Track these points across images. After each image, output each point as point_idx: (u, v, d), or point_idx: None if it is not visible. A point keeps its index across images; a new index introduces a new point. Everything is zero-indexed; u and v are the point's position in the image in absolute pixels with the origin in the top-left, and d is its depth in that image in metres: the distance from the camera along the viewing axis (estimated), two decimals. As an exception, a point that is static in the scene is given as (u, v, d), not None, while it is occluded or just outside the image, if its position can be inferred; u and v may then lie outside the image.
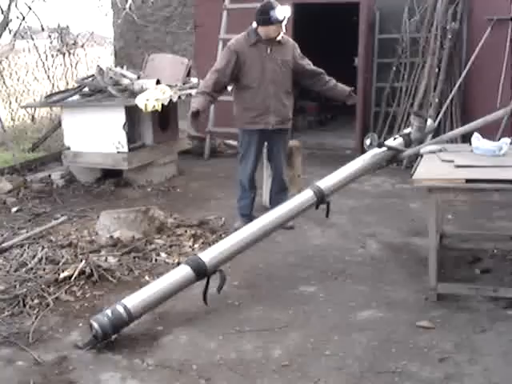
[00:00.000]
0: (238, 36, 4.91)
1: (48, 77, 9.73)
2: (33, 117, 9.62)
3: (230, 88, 5.14)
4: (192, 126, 4.81)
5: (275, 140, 5.03)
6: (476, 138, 4.08)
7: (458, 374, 2.98)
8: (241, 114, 4.96)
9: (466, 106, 7.32)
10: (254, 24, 4.78)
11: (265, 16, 4.67)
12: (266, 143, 5.11)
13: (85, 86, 6.75)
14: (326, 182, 4.19)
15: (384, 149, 4.30)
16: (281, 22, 4.67)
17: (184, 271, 3.60)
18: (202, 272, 3.61)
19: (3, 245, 4.64)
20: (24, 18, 7.67)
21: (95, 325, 3.26)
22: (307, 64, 5.02)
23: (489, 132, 4.34)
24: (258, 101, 4.85)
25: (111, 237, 4.63)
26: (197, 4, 8.66)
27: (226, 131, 7.46)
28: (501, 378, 2.94)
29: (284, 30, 4.80)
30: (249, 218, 4.85)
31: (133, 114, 6.42)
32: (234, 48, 4.80)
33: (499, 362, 3.06)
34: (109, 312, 3.31)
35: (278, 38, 4.82)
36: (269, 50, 4.81)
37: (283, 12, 4.65)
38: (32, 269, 4.18)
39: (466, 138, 4.61)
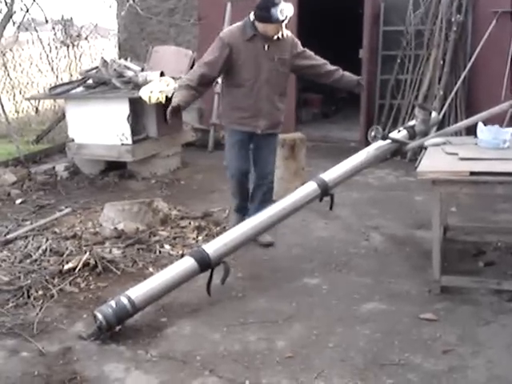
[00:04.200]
0: (232, 27, 4.43)
1: (52, 69, 9.72)
2: (37, 109, 9.63)
3: (219, 82, 4.78)
4: (169, 120, 4.25)
5: (263, 144, 4.54)
6: (480, 130, 4.07)
7: (461, 366, 2.98)
8: (228, 112, 4.52)
9: (470, 99, 7.28)
10: (252, 16, 4.29)
11: (264, 13, 4.16)
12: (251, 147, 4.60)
13: (89, 78, 6.74)
14: (330, 175, 4.18)
15: (388, 141, 4.29)
16: (281, 21, 4.19)
17: (188, 263, 3.61)
18: (205, 264, 3.62)
19: (8, 236, 4.66)
20: (28, 9, 7.64)
21: (99, 316, 3.27)
22: (310, 64, 4.54)
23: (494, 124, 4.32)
24: (249, 102, 4.38)
25: (115, 228, 4.65)
26: (201, -4, 8.63)
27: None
28: (504, 370, 2.94)
29: (284, 30, 4.30)
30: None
31: (137, 106, 6.40)
32: (227, 41, 4.28)
33: (502, 355, 3.07)
34: (113, 303, 3.33)
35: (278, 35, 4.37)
36: (266, 47, 4.30)
37: (285, 11, 4.15)
38: (36, 260, 4.20)
39: (470, 131, 4.59)
